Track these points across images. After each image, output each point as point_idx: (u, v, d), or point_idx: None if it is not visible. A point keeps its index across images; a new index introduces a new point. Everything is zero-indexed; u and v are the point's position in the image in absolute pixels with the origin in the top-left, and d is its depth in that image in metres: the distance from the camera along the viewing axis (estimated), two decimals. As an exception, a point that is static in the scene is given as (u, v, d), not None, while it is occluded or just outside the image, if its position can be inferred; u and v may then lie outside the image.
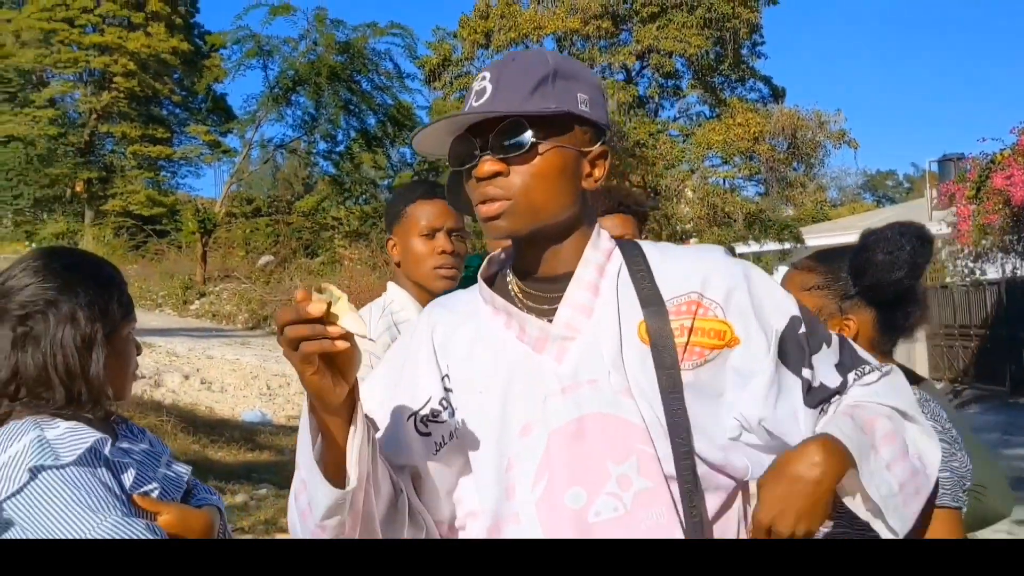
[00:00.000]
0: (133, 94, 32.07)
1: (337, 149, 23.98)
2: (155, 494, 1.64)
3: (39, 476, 1.48)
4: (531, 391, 1.28)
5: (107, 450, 1.57)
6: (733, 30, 18.53)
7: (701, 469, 1.26)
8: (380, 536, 1.27)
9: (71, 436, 1.54)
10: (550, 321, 1.31)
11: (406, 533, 1.32)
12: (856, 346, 1.39)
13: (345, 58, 22.05)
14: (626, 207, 2.68)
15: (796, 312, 1.33)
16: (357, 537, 1.24)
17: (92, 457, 1.54)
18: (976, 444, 2.04)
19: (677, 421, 1.25)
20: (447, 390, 1.34)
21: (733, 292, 1.30)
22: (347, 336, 1.10)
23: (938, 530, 1.53)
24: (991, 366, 17.78)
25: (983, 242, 14.38)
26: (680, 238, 20.13)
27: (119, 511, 1.50)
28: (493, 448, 1.29)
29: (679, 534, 1.23)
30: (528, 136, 1.26)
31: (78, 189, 32.44)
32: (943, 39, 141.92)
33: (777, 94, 20.96)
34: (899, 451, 1.28)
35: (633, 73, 20.32)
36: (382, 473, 1.26)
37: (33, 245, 29.80)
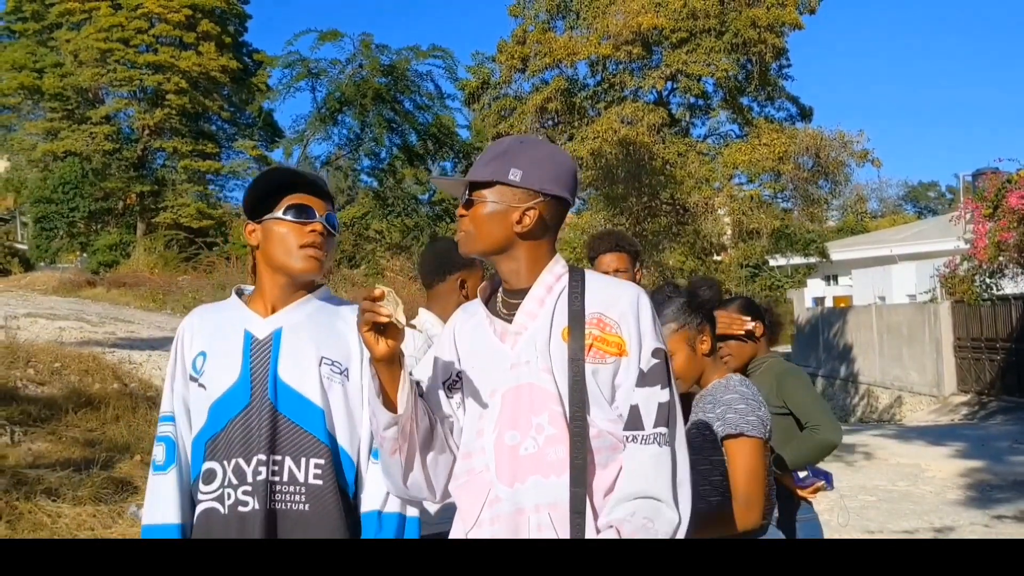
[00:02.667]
0: (184, 111, 32.61)
1: (380, 166, 24.31)
2: None
3: None
4: (496, 367, 1.87)
5: None
6: (759, 54, 18.88)
7: (595, 429, 1.78)
8: (424, 451, 1.86)
9: None
10: (510, 321, 1.89)
11: (447, 454, 1.91)
12: (676, 408, 1.82)
13: (389, 80, 22.45)
14: (621, 247, 3.50)
15: (662, 346, 1.85)
16: (406, 449, 1.83)
17: None
18: (818, 398, 3.26)
19: (576, 392, 1.79)
20: (459, 368, 1.95)
21: (625, 315, 1.82)
22: (389, 316, 1.71)
23: (747, 450, 2.37)
24: (1017, 378, 18.09)
25: (999, 258, 14.74)
26: (709, 253, 20.60)
27: None
28: (475, 405, 1.89)
29: (568, 468, 1.76)
30: (469, 195, 1.89)
31: (131, 202, 32.88)
32: (988, 46, 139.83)
33: (804, 113, 21.18)
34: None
35: (665, 94, 20.66)
36: (422, 412, 1.85)
37: (85, 256, 30.80)
